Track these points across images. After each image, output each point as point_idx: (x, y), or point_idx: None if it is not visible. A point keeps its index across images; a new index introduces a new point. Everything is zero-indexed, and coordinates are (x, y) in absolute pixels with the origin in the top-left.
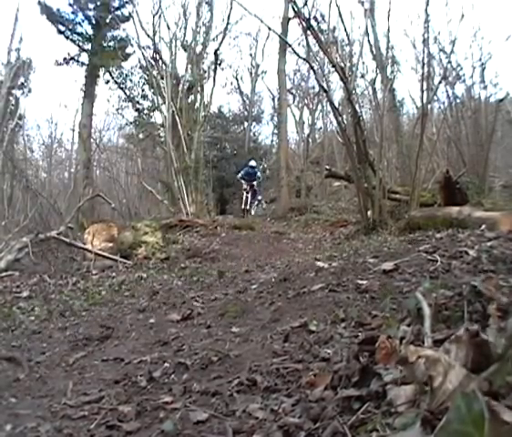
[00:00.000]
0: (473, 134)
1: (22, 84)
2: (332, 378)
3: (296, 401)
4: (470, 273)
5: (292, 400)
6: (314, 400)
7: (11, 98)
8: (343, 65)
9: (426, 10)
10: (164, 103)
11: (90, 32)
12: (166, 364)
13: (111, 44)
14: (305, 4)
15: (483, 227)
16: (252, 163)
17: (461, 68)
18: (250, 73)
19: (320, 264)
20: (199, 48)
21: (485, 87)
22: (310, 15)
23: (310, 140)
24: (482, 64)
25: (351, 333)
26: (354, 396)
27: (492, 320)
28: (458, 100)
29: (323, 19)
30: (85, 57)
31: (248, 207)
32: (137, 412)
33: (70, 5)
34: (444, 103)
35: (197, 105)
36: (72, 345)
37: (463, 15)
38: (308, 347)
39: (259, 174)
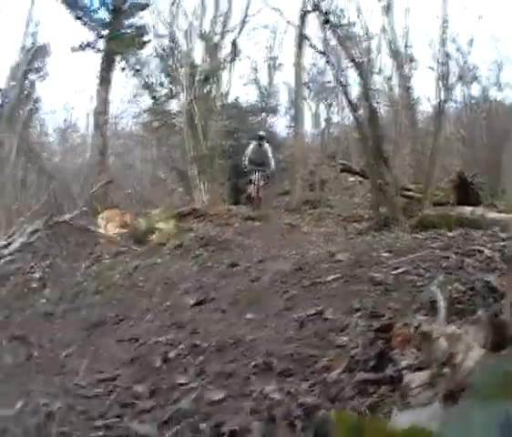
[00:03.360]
0: (488, 135)
1: (38, 68)
2: (348, 362)
3: (312, 384)
4: (483, 271)
5: (309, 383)
6: (332, 382)
7: (27, 82)
8: (360, 60)
9: (445, 9)
10: (181, 92)
11: (107, 18)
12: (181, 346)
13: (128, 31)
14: None
15: (496, 227)
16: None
17: (477, 69)
18: (268, 65)
19: (334, 256)
20: (216, 38)
21: (500, 89)
22: (328, 8)
23: (326, 134)
24: (498, 65)
25: (366, 322)
26: (371, 380)
27: (505, 311)
28: (474, 101)
29: (342, 13)
30: (101, 44)
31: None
32: (151, 392)
33: None
34: (459, 103)
35: (214, 94)
36: (86, 326)
37: (480, 16)
38: (323, 334)
39: (270, 154)
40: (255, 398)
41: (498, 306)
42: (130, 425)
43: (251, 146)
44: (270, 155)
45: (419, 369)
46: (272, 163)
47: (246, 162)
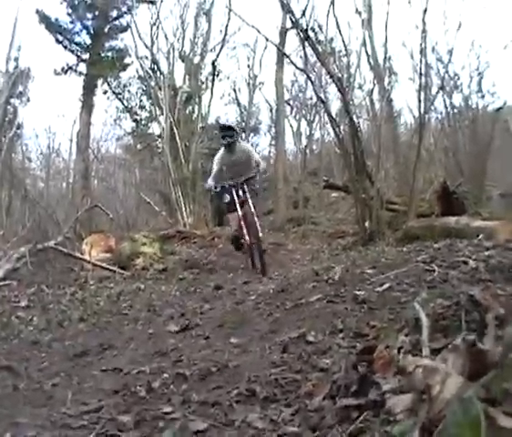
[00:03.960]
0: (470, 143)
1: (20, 93)
2: (330, 387)
3: (295, 411)
4: (468, 283)
5: (291, 409)
6: (313, 409)
7: (9, 107)
8: (340, 75)
9: (424, 20)
10: (162, 114)
11: (88, 42)
12: (165, 375)
13: (109, 54)
14: (303, 14)
15: (480, 236)
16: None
17: (458, 78)
18: (248, 84)
19: (318, 275)
20: (196, 59)
21: (482, 97)
22: (307, 25)
23: (307, 151)
24: (479, 73)
25: (349, 343)
26: (353, 405)
27: (489, 329)
28: (456, 110)
29: (321, 30)
30: (83, 67)
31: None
32: (136, 422)
33: (68, 14)
34: (441, 113)
35: (194, 116)
36: (71, 355)
37: (460, 25)
38: (306, 357)
39: (253, 153)
40: (238, 427)
41: (480, 327)
42: None
43: (220, 152)
44: (253, 153)
45: (402, 392)
46: (262, 164)
47: (211, 180)
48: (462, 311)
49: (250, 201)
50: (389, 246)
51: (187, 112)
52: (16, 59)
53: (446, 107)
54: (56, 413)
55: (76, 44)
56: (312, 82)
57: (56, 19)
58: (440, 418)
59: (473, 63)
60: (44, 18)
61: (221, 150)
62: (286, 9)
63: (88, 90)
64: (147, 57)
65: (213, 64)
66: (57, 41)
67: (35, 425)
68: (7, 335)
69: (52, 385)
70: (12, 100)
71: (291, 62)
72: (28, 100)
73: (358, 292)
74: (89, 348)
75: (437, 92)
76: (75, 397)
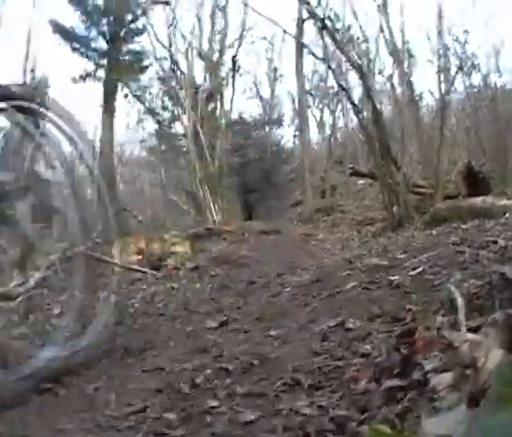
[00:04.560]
0: (492, 123)
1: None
2: (373, 371)
3: (341, 396)
4: (498, 262)
5: (337, 395)
6: (359, 392)
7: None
8: (360, 62)
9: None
10: (184, 113)
11: (105, 47)
12: (207, 370)
13: (127, 57)
14: (319, 3)
15: (507, 214)
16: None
17: (476, 57)
18: (269, 77)
19: (351, 263)
20: (215, 56)
21: (500, 75)
22: (324, 15)
23: (332, 140)
24: (496, 51)
25: (387, 328)
26: (398, 386)
27: None
28: (475, 89)
29: (338, 18)
30: (101, 73)
31: None
32: (182, 419)
33: (83, 21)
34: (461, 93)
35: (217, 112)
36: (110, 358)
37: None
38: (347, 344)
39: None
40: (286, 415)
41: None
42: None
43: None
44: None
45: (444, 371)
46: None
47: None
48: (495, 290)
49: None
50: (418, 230)
51: (209, 109)
52: (33, 70)
53: (466, 88)
54: (101, 416)
55: (93, 50)
56: (332, 70)
57: (72, 27)
58: (485, 388)
59: (489, 41)
60: (57, 27)
61: None
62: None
63: (109, 95)
64: (166, 58)
65: (233, 59)
66: (74, 49)
67: (81, 429)
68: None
69: (94, 389)
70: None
71: (311, 52)
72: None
73: (392, 277)
74: (128, 349)
75: (456, 72)
76: (118, 399)
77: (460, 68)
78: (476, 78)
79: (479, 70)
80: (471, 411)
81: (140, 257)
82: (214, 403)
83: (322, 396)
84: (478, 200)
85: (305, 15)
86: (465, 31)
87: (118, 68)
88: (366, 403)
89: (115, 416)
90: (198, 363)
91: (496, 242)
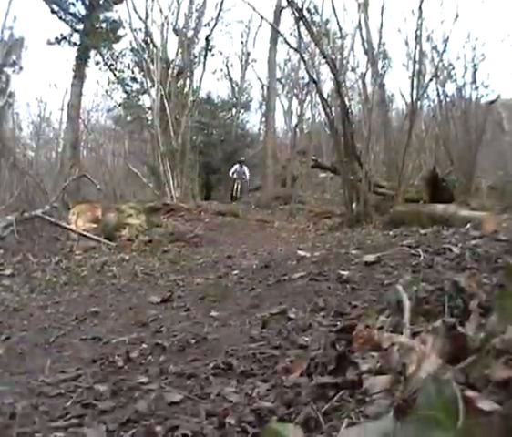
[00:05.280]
0: (462, 134)
1: (14, 62)
2: (308, 365)
3: (271, 387)
4: (453, 270)
5: (267, 385)
6: (289, 385)
7: (2, 76)
8: (333, 57)
9: (420, 7)
10: (153, 86)
11: (83, 12)
12: (143, 345)
13: (103, 25)
14: None
15: (468, 225)
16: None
17: (453, 68)
18: (241, 60)
19: (302, 253)
20: (190, 33)
21: (476, 88)
22: (303, 5)
23: (297, 130)
24: (474, 65)
25: (330, 322)
26: (330, 383)
27: (473, 316)
28: (448, 99)
29: (316, 10)
30: (76, 38)
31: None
32: (112, 392)
33: None
34: (434, 101)
35: (186, 89)
36: (52, 323)
37: (457, 15)
38: (286, 333)
39: (247, 172)
40: (213, 400)
41: (463, 314)
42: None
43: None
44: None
45: (380, 373)
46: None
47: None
48: (445, 297)
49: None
50: (375, 229)
51: (178, 85)
52: (11, 28)
53: (439, 96)
54: (35, 381)
55: (71, 14)
56: (304, 61)
57: None
58: (415, 398)
59: (468, 54)
60: None
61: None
62: None
63: (81, 61)
64: (140, 30)
65: (207, 39)
66: (52, 11)
67: (14, 392)
68: None
69: (32, 353)
70: (5, 69)
71: (285, 41)
72: (21, 69)
73: (341, 272)
74: (70, 316)
75: (430, 80)
76: (54, 365)
77: (435, 76)
78: (451, 88)
79: (455, 81)
80: (395, 423)
81: (96, 225)
82: (145, 380)
83: (252, 384)
84: (440, 207)
85: (284, 3)
86: (445, 40)
87: (94, 35)
88: (294, 398)
89: (48, 382)
90: (135, 337)
91: (452, 250)
